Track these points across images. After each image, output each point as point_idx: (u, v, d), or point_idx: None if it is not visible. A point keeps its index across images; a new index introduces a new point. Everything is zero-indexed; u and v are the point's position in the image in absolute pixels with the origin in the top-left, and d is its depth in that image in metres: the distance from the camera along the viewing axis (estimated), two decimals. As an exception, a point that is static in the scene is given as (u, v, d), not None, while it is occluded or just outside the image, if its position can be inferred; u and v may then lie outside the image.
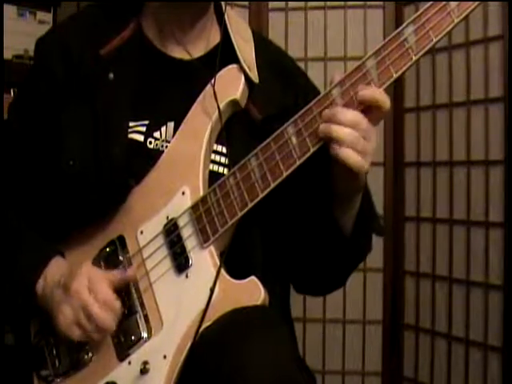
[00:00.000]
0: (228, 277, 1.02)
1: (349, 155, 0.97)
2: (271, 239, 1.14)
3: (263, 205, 1.04)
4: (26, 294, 1.09)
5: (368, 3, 2.35)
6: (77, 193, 1.10)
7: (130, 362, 1.05)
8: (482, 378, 2.04)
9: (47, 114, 1.14)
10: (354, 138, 0.97)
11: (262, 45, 1.21)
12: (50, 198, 1.14)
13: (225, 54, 1.14)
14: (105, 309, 1.02)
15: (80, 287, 1.03)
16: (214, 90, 1.09)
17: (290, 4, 2.39)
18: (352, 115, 0.97)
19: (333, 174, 1.04)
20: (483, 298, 2.05)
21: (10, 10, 2.08)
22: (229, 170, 1.08)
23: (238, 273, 1.02)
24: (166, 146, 1.12)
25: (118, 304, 1.04)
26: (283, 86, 1.17)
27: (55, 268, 1.10)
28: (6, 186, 1.17)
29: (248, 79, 1.11)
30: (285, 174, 1.01)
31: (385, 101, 0.97)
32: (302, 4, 2.39)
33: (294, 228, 1.15)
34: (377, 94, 0.97)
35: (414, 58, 0.98)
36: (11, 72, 1.97)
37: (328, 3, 2.37)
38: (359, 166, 0.97)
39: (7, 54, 2.03)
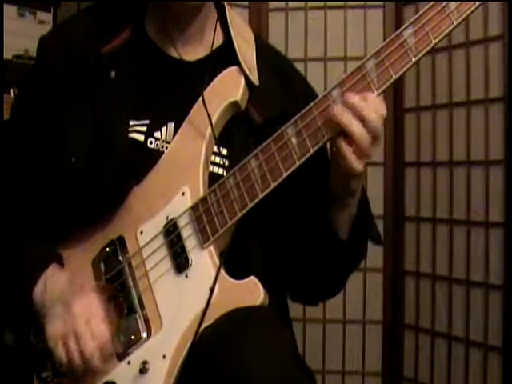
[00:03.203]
0: (228, 277, 1.02)
1: (351, 155, 0.98)
2: (270, 241, 1.14)
3: (262, 207, 1.04)
4: (24, 296, 1.09)
5: (368, 3, 2.35)
6: (78, 190, 1.10)
7: (129, 362, 1.05)
8: (482, 378, 2.04)
9: (49, 112, 1.14)
10: (366, 142, 0.97)
11: (264, 48, 1.21)
12: (51, 196, 1.14)
13: (226, 55, 1.14)
14: (96, 342, 1.02)
15: (81, 312, 1.03)
16: (202, 97, 1.09)
17: (290, 4, 2.39)
18: (376, 119, 0.97)
19: (331, 173, 1.05)
20: (483, 298, 2.05)
21: (10, 10, 2.08)
22: (229, 171, 1.08)
23: (237, 273, 1.02)
24: (167, 147, 1.12)
25: (107, 345, 1.03)
26: (284, 91, 1.17)
27: (54, 280, 1.09)
28: (7, 184, 1.17)
29: (248, 81, 1.12)
30: (285, 175, 1.01)
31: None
32: (302, 4, 2.39)
33: (290, 230, 1.15)
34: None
35: (414, 60, 0.98)
36: (11, 72, 1.97)
37: (328, 3, 2.37)
38: (356, 167, 0.99)
39: (7, 54, 2.04)
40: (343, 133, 0.98)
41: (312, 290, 1.23)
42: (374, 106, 0.97)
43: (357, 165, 0.99)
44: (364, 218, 1.12)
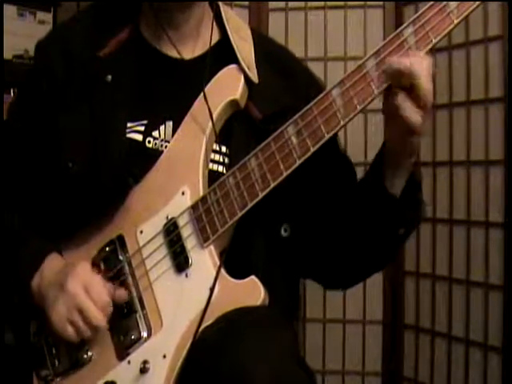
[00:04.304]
0: (228, 276, 1.02)
1: (411, 108, 0.96)
2: (275, 238, 1.13)
3: (293, 202, 1.06)
4: (22, 292, 1.10)
5: (368, 3, 2.35)
6: (76, 193, 1.10)
7: (129, 362, 1.05)
8: (482, 378, 2.04)
9: (47, 115, 1.14)
10: (430, 93, 0.96)
11: (262, 43, 1.21)
12: (50, 198, 1.14)
13: (224, 53, 1.14)
14: (98, 306, 1.04)
15: (75, 285, 1.04)
16: (204, 93, 1.09)
17: (290, 4, 2.39)
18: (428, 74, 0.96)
19: (388, 131, 1.04)
20: (483, 298, 2.05)
21: (10, 10, 2.08)
22: (229, 169, 1.08)
23: (237, 272, 1.02)
24: (166, 146, 1.12)
25: (110, 303, 1.05)
26: (284, 83, 1.17)
27: (51, 265, 1.10)
28: (5, 186, 1.17)
29: (247, 79, 1.12)
30: (285, 174, 1.01)
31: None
32: (302, 4, 2.39)
33: (333, 212, 1.14)
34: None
35: (414, 59, 0.98)
36: (11, 72, 1.97)
37: (328, 3, 2.37)
38: (416, 120, 0.96)
39: (7, 54, 2.04)
40: (401, 87, 0.96)
41: (360, 268, 1.20)
42: (424, 59, 0.96)
43: (417, 118, 0.97)
44: (416, 184, 1.09)
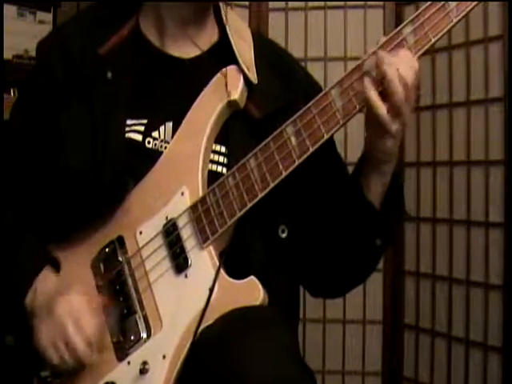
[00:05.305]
0: (227, 277, 1.02)
1: (385, 113, 0.97)
2: (273, 239, 1.13)
3: (290, 203, 1.06)
4: (17, 305, 1.10)
5: (368, 3, 2.35)
6: (76, 193, 1.10)
7: (129, 362, 1.05)
8: (482, 378, 2.04)
9: (48, 115, 1.15)
10: (402, 98, 0.96)
11: (261, 44, 1.21)
12: (50, 197, 1.14)
13: (223, 53, 1.14)
14: (85, 340, 1.03)
15: (64, 315, 1.04)
16: (226, 81, 1.09)
17: (290, 4, 2.39)
18: (412, 74, 0.96)
19: (368, 136, 1.04)
20: (483, 298, 2.05)
21: (10, 10, 2.08)
22: (228, 169, 1.08)
23: (237, 273, 1.02)
24: (165, 147, 1.12)
25: (97, 336, 1.04)
26: (283, 83, 1.17)
27: (44, 285, 1.10)
28: (5, 185, 1.17)
29: (247, 79, 1.11)
30: (284, 174, 1.01)
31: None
32: (302, 4, 2.39)
33: (321, 217, 1.15)
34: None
35: (413, 58, 0.98)
36: (11, 72, 1.97)
37: (328, 3, 2.37)
38: (391, 125, 0.98)
39: (7, 54, 2.04)
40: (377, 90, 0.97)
41: (341, 278, 1.20)
42: (407, 61, 0.97)
43: (392, 123, 0.98)
44: (398, 189, 1.11)
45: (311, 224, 1.16)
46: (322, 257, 1.17)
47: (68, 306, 1.05)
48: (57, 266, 1.14)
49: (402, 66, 0.96)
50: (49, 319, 1.05)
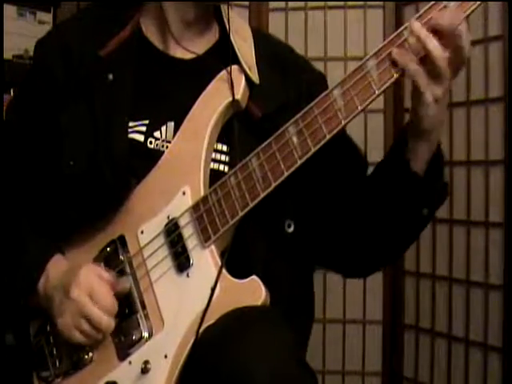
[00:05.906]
0: (229, 276, 1.02)
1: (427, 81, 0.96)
2: (281, 235, 1.13)
3: (296, 198, 1.07)
4: (28, 293, 1.10)
5: (368, 3, 2.35)
6: (77, 193, 1.11)
7: (130, 362, 1.05)
8: (482, 378, 2.04)
9: (47, 115, 1.15)
10: (443, 59, 0.95)
11: (262, 41, 1.21)
12: (51, 198, 1.14)
13: (225, 53, 1.14)
14: (104, 310, 1.04)
15: (79, 293, 1.05)
16: (230, 77, 1.09)
17: (290, 4, 2.39)
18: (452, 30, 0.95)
19: (415, 109, 1.02)
20: (483, 298, 2.05)
21: (10, 10, 2.08)
22: (230, 168, 1.08)
23: (239, 272, 1.02)
24: (167, 147, 1.12)
25: (115, 304, 1.06)
26: (285, 79, 1.17)
27: (56, 267, 1.10)
28: (6, 186, 1.17)
29: (248, 79, 1.12)
30: (286, 174, 1.01)
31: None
32: (302, 4, 2.38)
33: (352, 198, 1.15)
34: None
35: (415, 59, 0.98)
36: (11, 72, 1.97)
37: (328, 3, 2.36)
38: (429, 96, 0.97)
39: (7, 54, 2.03)
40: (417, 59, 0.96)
41: (382, 253, 1.19)
42: (448, 18, 0.95)
43: (434, 90, 0.97)
44: (440, 157, 1.08)
45: (330, 211, 1.15)
46: (355, 237, 1.16)
47: (80, 286, 1.05)
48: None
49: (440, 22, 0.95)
50: (66, 301, 1.06)
